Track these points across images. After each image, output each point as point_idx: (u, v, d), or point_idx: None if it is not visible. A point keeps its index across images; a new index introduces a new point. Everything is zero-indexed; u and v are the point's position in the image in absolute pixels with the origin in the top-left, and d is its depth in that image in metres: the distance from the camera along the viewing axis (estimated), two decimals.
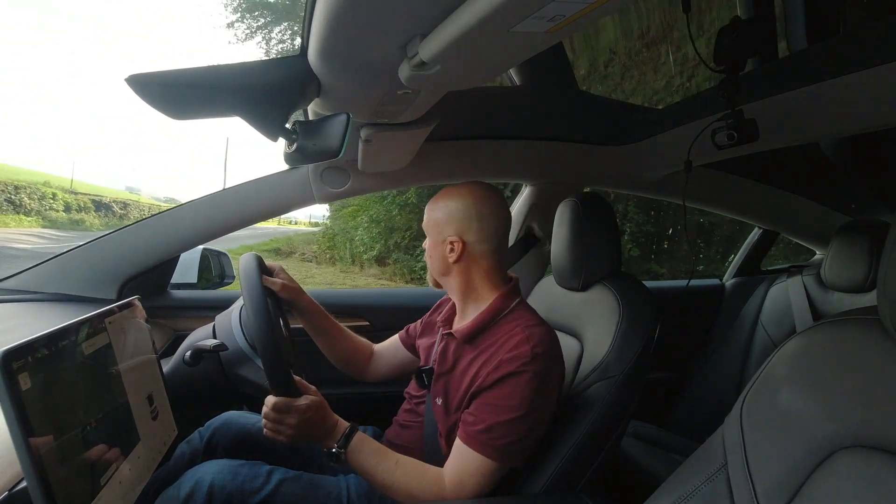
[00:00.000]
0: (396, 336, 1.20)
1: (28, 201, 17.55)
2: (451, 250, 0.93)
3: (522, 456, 0.84)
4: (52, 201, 18.64)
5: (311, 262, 10.49)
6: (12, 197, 16.99)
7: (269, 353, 0.80)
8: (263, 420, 0.83)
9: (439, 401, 0.93)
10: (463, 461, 0.82)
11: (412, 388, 1.06)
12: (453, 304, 1.02)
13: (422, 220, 1.01)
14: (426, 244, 0.99)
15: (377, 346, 1.20)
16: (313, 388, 0.87)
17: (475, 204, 0.93)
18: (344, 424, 0.85)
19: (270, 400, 0.81)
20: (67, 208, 19.35)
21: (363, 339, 1.19)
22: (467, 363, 0.90)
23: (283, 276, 1.04)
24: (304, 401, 0.82)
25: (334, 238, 9.79)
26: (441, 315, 1.04)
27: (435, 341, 1.04)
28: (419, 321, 1.17)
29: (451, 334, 0.95)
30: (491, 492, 0.84)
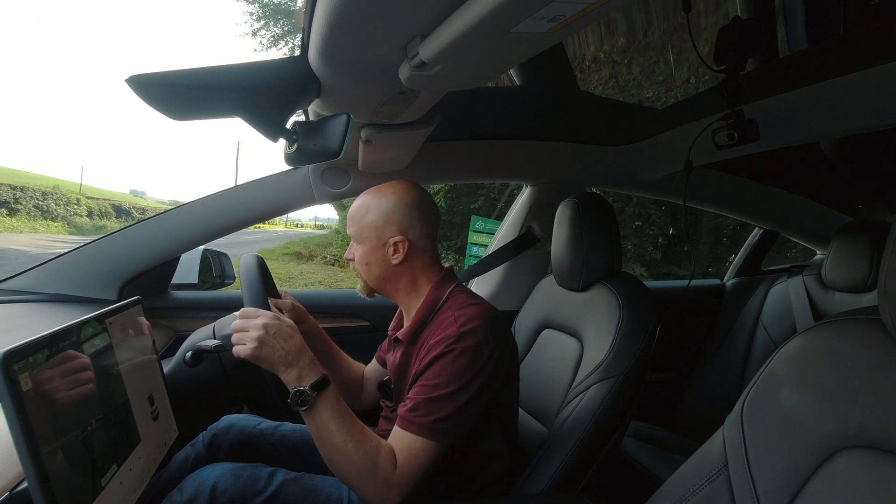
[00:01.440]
0: (375, 357, 1.17)
1: (55, 207, 17.77)
2: (395, 251, 0.90)
3: (454, 433, 0.80)
4: (76, 207, 18.92)
5: (333, 265, 10.37)
6: (40, 203, 17.22)
7: (252, 284, 0.81)
8: (232, 335, 0.77)
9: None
10: (398, 442, 0.79)
11: (382, 403, 1.05)
12: (399, 314, 1.02)
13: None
14: (355, 254, 0.94)
15: (364, 371, 1.18)
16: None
17: (413, 200, 0.91)
18: (320, 369, 0.78)
19: (240, 310, 0.78)
20: (90, 213, 19.59)
21: (358, 364, 1.17)
22: (410, 363, 0.90)
23: (290, 300, 1.04)
24: (276, 313, 0.78)
25: None
26: (392, 326, 1.04)
27: (391, 353, 1.03)
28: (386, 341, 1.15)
29: (397, 339, 0.94)
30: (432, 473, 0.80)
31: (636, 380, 0.97)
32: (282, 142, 0.85)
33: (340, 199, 1.41)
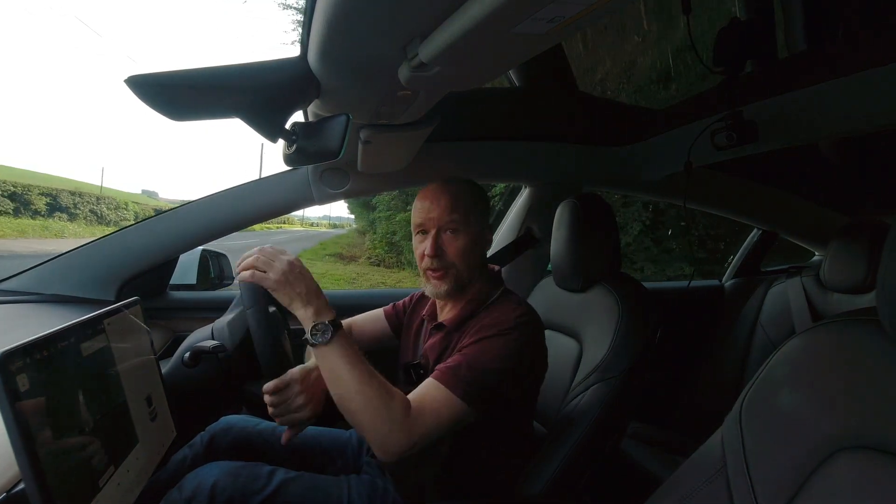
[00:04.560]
0: (380, 311, 1.17)
1: (107, 212, 18.29)
2: (482, 244, 0.95)
3: (483, 404, 0.80)
4: (125, 211, 19.44)
5: (378, 266, 10.17)
6: (94, 208, 17.73)
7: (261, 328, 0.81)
8: (255, 258, 0.78)
9: None
10: (425, 390, 0.80)
11: (399, 385, 1.04)
12: (433, 300, 1.02)
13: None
14: (449, 245, 0.91)
15: (352, 319, 1.17)
16: None
17: (482, 194, 0.96)
18: (333, 311, 0.79)
19: (260, 248, 0.80)
20: (136, 217, 19.81)
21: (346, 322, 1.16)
22: (454, 345, 0.91)
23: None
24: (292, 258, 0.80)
25: (399, 242, 9.15)
26: (426, 310, 1.04)
27: (419, 335, 1.04)
28: (406, 302, 1.16)
29: (441, 325, 0.96)
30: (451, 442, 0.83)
31: (635, 380, 0.98)
32: (281, 142, 0.85)
33: (339, 200, 1.41)
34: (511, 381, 0.83)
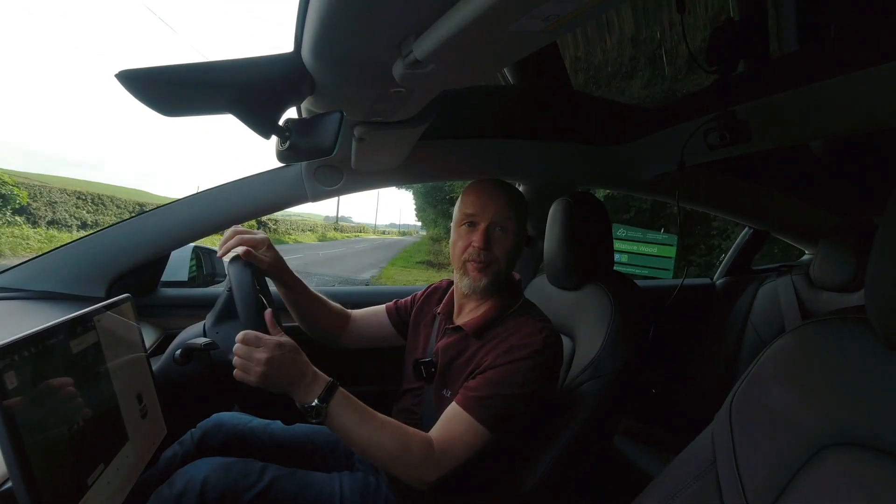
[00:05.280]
0: (382, 307, 1.18)
1: None
2: (519, 246, 0.95)
3: (512, 433, 0.84)
4: None
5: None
6: None
7: (244, 288, 0.81)
8: (234, 358, 0.77)
9: (447, 392, 0.93)
10: (454, 424, 0.81)
11: (408, 381, 1.05)
12: (450, 296, 1.02)
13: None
14: (498, 243, 0.91)
15: (355, 312, 1.18)
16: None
17: (527, 204, 0.98)
18: (324, 378, 0.79)
19: (240, 334, 0.76)
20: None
21: (339, 307, 1.16)
22: (472, 353, 0.91)
23: (271, 253, 1.01)
24: (277, 337, 0.77)
25: None
26: (441, 307, 1.04)
27: (431, 332, 1.04)
28: (409, 301, 1.16)
29: (458, 328, 0.95)
30: (478, 473, 0.84)
31: (627, 378, 0.98)
32: (274, 139, 0.84)
33: (333, 197, 1.40)
34: (536, 403, 0.86)
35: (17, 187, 8.23)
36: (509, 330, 0.90)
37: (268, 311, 0.82)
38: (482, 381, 0.84)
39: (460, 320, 0.97)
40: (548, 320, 0.93)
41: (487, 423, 0.80)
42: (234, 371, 0.77)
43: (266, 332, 0.78)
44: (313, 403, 0.76)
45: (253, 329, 0.78)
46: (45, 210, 9.52)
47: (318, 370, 0.80)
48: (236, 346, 0.77)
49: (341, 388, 0.80)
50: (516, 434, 0.91)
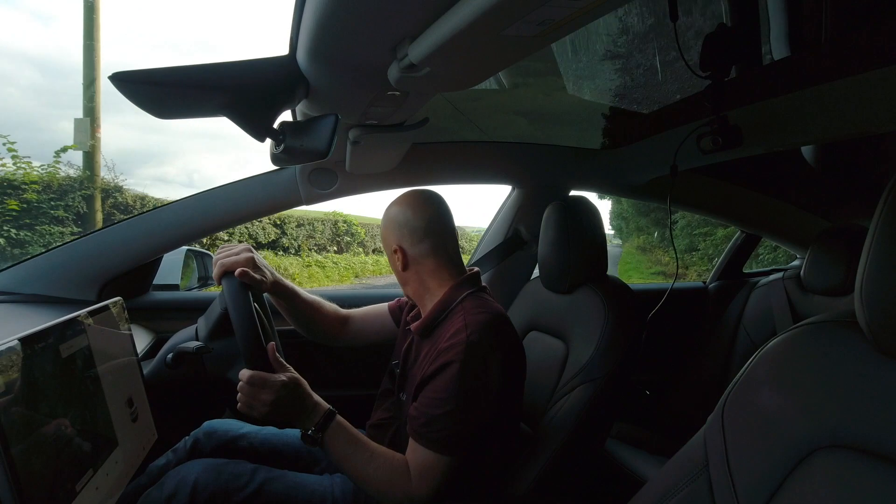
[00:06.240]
0: (384, 305, 1.18)
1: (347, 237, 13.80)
2: (398, 259, 0.94)
3: (468, 446, 0.81)
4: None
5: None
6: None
7: (244, 325, 0.79)
8: (238, 395, 0.78)
9: (403, 396, 0.95)
10: (416, 457, 0.81)
11: (384, 384, 1.07)
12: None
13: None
14: (391, 260, 1.00)
15: (355, 312, 1.17)
16: (291, 368, 0.83)
17: (402, 211, 0.95)
18: (324, 406, 0.82)
19: (245, 373, 0.77)
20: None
21: (335, 307, 1.15)
22: (422, 356, 0.91)
23: (267, 272, 0.99)
24: (281, 377, 0.78)
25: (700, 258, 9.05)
26: (412, 314, 1.05)
27: (403, 336, 1.05)
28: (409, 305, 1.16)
29: (409, 330, 0.97)
30: (462, 485, 0.84)
31: (620, 381, 0.98)
32: (268, 142, 0.84)
33: (327, 200, 1.40)
34: (480, 408, 0.81)
35: (359, 226, 11.96)
36: (441, 330, 0.88)
37: (270, 346, 0.81)
38: (420, 401, 0.83)
39: (414, 323, 0.97)
40: (482, 311, 0.86)
41: (439, 449, 0.79)
42: (238, 405, 0.79)
43: (269, 367, 0.79)
44: (309, 432, 0.80)
45: (255, 364, 0.78)
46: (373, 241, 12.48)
47: (319, 399, 0.83)
48: (241, 385, 0.78)
49: (338, 418, 0.82)
50: (502, 440, 0.90)
